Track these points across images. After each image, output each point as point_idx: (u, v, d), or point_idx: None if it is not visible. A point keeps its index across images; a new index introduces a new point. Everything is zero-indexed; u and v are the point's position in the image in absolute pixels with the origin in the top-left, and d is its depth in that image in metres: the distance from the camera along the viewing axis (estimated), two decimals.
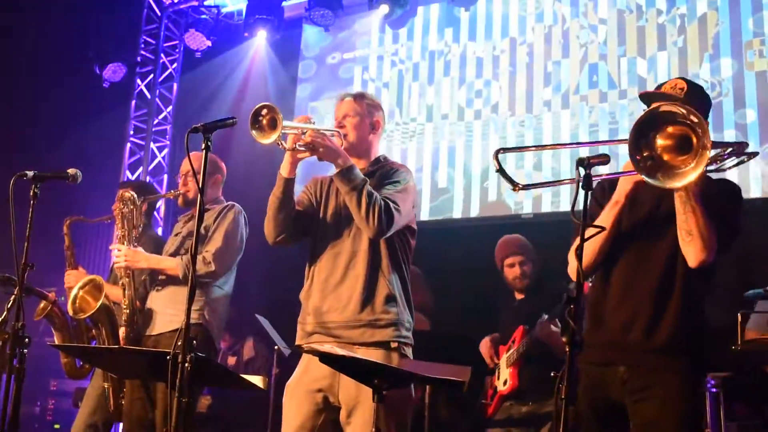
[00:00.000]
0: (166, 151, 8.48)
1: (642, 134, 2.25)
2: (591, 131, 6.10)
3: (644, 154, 2.25)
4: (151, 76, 8.49)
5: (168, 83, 8.60)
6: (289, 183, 3.11)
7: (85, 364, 4.54)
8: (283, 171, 3.11)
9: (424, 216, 6.51)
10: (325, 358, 2.75)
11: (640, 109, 2.79)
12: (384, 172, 3.22)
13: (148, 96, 8.49)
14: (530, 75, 6.50)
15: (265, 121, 2.83)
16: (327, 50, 7.66)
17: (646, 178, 2.24)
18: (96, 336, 4.24)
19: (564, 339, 2.08)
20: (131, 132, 8.41)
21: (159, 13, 8.54)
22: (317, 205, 3.27)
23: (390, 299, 3.06)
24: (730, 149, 2.61)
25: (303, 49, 7.81)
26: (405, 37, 7.27)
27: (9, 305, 3.39)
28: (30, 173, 3.31)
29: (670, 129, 2.24)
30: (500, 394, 4.29)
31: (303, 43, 7.82)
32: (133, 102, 8.45)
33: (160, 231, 7.26)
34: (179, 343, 2.44)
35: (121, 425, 5.93)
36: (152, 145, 8.41)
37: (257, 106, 2.84)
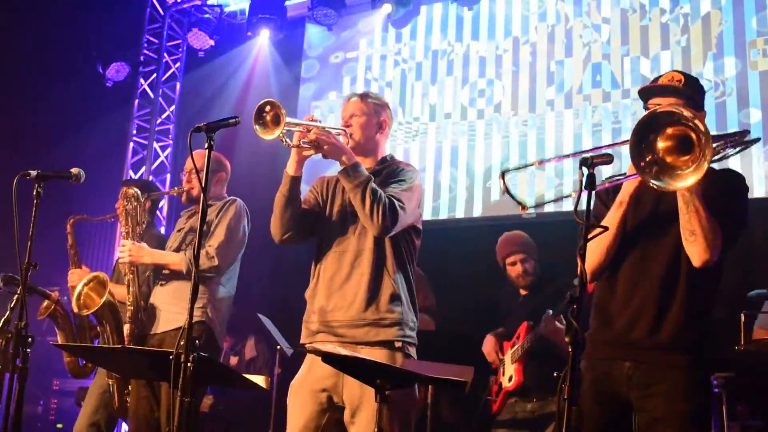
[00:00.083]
0: (169, 150, 8.48)
1: (642, 138, 2.24)
2: (594, 131, 6.09)
3: (647, 159, 2.25)
4: (154, 75, 8.50)
5: (171, 82, 8.60)
6: (295, 181, 3.12)
7: (87, 363, 4.55)
8: (289, 169, 3.11)
9: (427, 216, 6.51)
10: (328, 357, 2.75)
11: (643, 108, 2.79)
12: (390, 171, 3.22)
13: (151, 95, 8.49)
14: (533, 74, 6.50)
15: (268, 118, 2.84)
16: (330, 49, 7.66)
17: (653, 183, 2.24)
18: (100, 332, 4.24)
19: (567, 339, 2.08)
20: (134, 131, 8.42)
21: (162, 13, 8.55)
22: (323, 203, 3.27)
23: (394, 298, 3.06)
24: (731, 140, 2.61)
25: (306, 49, 7.81)
26: (408, 36, 7.26)
27: (12, 304, 3.39)
28: (33, 172, 3.32)
29: (669, 130, 2.24)
30: (505, 390, 4.29)
31: (306, 42, 7.82)
32: (136, 101, 8.46)
33: (162, 230, 7.26)
34: (182, 343, 2.44)
35: (123, 424, 5.95)
36: (155, 145, 8.42)
37: (261, 102, 2.84)
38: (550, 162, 6.20)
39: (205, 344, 3.73)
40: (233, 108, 7.76)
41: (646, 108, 2.73)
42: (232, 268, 4.06)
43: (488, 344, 4.53)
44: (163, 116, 8.52)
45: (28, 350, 3.14)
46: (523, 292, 4.54)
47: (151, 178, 8.11)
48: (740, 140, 2.62)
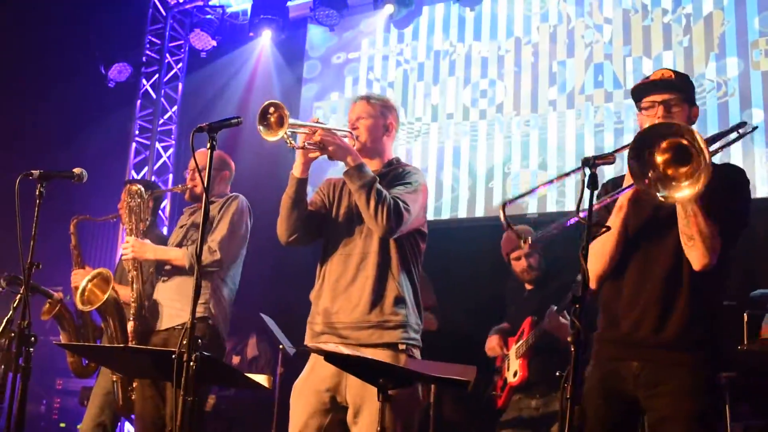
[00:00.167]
0: (171, 150, 8.50)
1: (640, 155, 2.24)
2: (596, 131, 6.09)
3: (650, 176, 2.24)
4: (157, 76, 8.52)
5: (173, 83, 8.61)
6: (301, 183, 3.12)
7: (90, 363, 4.55)
8: (296, 171, 3.12)
9: (429, 216, 6.40)
10: (330, 357, 2.75)
11: (636, 108, 2.78)
12: (396, 174, 3.23)
13: (154, 96, 8.51)
14: (535, 75, 6.50)
15: (272, 119, 2.84)
16: (332, 50, 7.66)
17: (661, 198, 2.23)
18: (104, 328, 4.25)
19: (569, 339, 2.09)
20: (136, 132, 8.43)
21: (164, 13, 8.56)
22: (330, 205, 3.28)
23: (399, 301, 3.06)
24: (730, 136, 2.60)
25: (308, 49, 7.81)
26: (410, 36, 7.27)
27: (15, 304, 3.39)
28: (36, 173, 3.32)
29: (664, 144, 2.24)
30: (510, 385, 4.29)
31: (308, 43, 7.82)
32: (139, 102, 8.47)
33: (165, 230, 7.27)
34: (185, 342, 2.45)
35: (126, 423, 5.95)
36: (157, 145, 8.43)
37: (265, 103, 2.85)
38: (552, 155, 6.21)
39: (209, 342, 3.74)
40: (235, 108, 7.77)
41: (638, 108, 2.73)
42: (235, 264, 4.07)
43: (493, 339, 4.53)
44: (166, 117, 8.53)
45: (31, 350, 3.15)
46: (528, 286, 4.54)
47: (153, 178, 8.12)
48: (739, 131, 2.61)
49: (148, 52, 8.46)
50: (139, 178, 8.07)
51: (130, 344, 3.92)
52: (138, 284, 4.04)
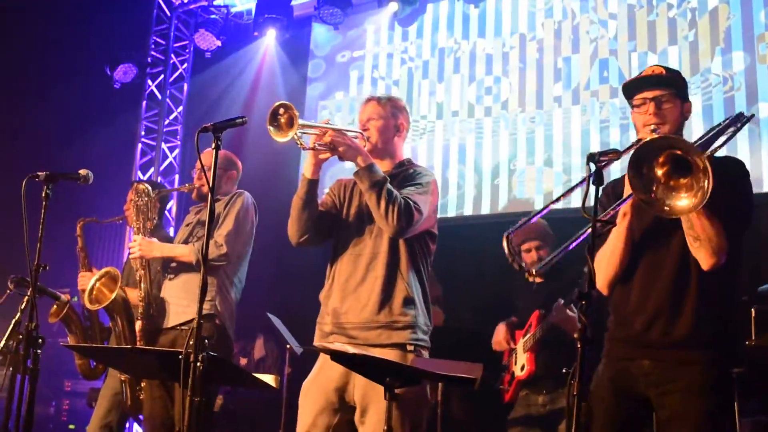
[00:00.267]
0: (177, 151, 8.51)
1: (639, 173, 2.23)
2: (602, 127, 6.08)
3: (656, 190, 2.23)
4: (162, 76, 8.53)
5: (178, 84, 8.63)
6: (312, 184, 3.12)
7: (99, 364, 4.56)
8: (307, 172, 3.12)
9: None
10: (337, 356, 2.75)
11: (628, 105, 2.76)
12: (407, 174, 3.23)
13: (159, 96, 8.52)
14: (540, 71, 6.48)
15: (283, 120, 2.85)
16: (336, 49, 7.66)
17: (666, 208, 2.22)
18: (112, 327, 4.26)
19: (576, 335, 2.08)
20: (142, 132, 8.45)
21: (169, 14, 8.57)
22: (340, 206, 3.29)
23: (408, 302, 3.06)
24: (729, 130, 2.58)
25: (313, 48, 7.82)
26: (414, 34, 7.26)
27: (23, 306, 3.40)
28: (41, 174, 3.33)
29: (661, 158, 2.23)
30: (518, 379, 4.28)
31: (312, 41, 7.83)
32: (144, 102, 8.49)
33: (171, 231, 7.28)
34: (191, 342, 2.45)
35: (135, 424, 5.97)
36: (163, 146, 8.45)
37: (275, 104, 2.86)
38: (558, 152, 6.19)
39: (216, 341, 3.74)
40: (241, 108, 7.78)
41: (631, 105, 2.71)
42: (241, 262, 4.07)
43: (500, 332, 4.52)
44: (171, 117, 8.55)
45: (39, 351, 3.16)
46: (537, 279, 4.51)
47: (159, 179, 8.14)
48: (737, 123, 2.60)
49: (153, 52, 8.48)
50: (145, 179, 8.09)
51: (138, 343, 3.94)
52: (146, 283, 4.05)
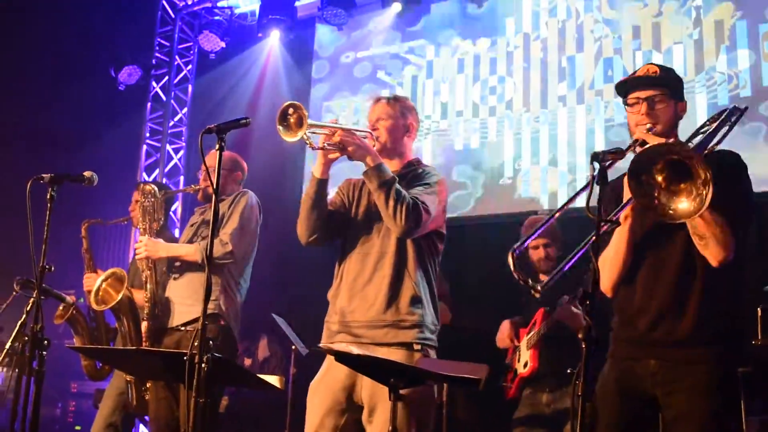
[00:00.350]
0: (182, 152, 8.53)
1: (639, 180, 2.22)
2: (607, 126, 6.07)
3: (658, 196, 2.22)
4: (166, 78, 8.55)
5: (183, 85, 8.64)
6: (321, 184, 3.12)
7: (104, 366, 4.57)
8: (316, 172, 3.13)
9: None
10: (341, 357, 2.75)
11: (622, 104, 2.73)
12: (416, 174, 3.23)
13: (164, 98, 8.54)
14: (544, 70, 6.48)
15: (292, 120, 2.86)
16: (340, 49, 7.66)
17: (669, 213, 2.20)
18: (118, 328, 4.27)
19: (580, 336, 2.08)
20: (147, 134, 8.46)
21: (173, 15, 8.58)
22: (349, 205, 3.28)
23: (415, 301, 3.05)
24: (725, 126, 2.57)
25: (317, 49, 7.82)
26: (418, 34, 7.26)
27: (28, 308, 3.41)
28: (46, 176, 3.33)
29: (659, 165, 2.21)
30: (521, 376, 4.27)
31: (316, 42, 7.83)
32: (149, 104, 8.51)
33: (176, 232, 7.29)
34: (196, 344, 2.45)
35: (141, 425, 5.98)
36: (168, 147, 8.46)
37: (285, 104, 2.87)
38: (563, 151, 6.19)
39: (221, 342, 3.74)
40: (245, 109, 7.78)
41: (625, 104, 2.70)
42: (246, 261, 4.07)
43: (504, 330, 4.51)
44: (176, 119, 8.56)
45: (45, 353, 3.16)
46: (542, 277, 4.51)
47: (164, 180, 8.15)
48: (732, 117, 2.58)
49: (157, 54, 8.50)
50: (150, 180, 8.10)
51: (144, 344, 3.94)
52: (152, 284, 4.05)
